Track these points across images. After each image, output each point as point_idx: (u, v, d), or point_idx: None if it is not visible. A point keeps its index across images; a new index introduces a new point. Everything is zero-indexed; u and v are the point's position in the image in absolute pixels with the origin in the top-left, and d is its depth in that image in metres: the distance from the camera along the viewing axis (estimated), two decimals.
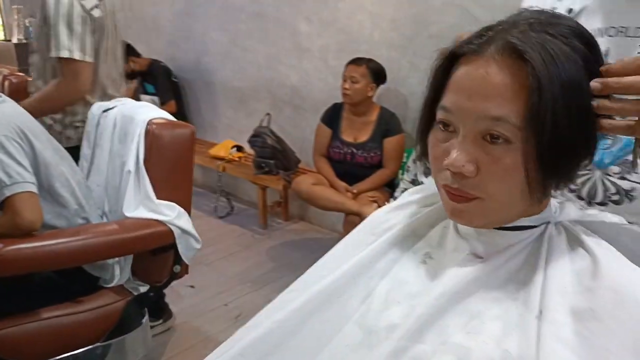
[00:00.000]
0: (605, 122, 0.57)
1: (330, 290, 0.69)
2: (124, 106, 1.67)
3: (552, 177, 0.60)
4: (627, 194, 0.81)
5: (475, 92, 0.57)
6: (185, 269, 1.58)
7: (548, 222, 0.66)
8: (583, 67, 0.57)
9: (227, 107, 3.82)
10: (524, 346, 0.56)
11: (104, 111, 1.70)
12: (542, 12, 0.62)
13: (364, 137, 2.65)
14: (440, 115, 0.61)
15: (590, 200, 0.84)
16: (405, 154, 2.67)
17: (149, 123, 1.48)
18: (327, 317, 0.68)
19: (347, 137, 2.69)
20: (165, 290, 2.61)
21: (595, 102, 0.56)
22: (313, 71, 3.15)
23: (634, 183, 0.80)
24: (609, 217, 0.70)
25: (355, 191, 2.61)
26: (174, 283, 2.64)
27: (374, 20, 2.80)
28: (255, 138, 3.14)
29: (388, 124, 2.62)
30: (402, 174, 2.53)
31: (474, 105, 0.57)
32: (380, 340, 0.62)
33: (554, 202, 0.71)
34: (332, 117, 2.74)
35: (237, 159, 3.47)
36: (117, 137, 1.61)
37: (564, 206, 0.71)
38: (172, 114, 4.06)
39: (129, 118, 1.56)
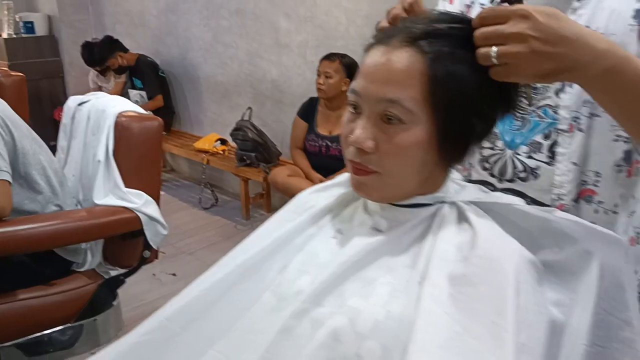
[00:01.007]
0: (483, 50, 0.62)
1: (251, 263, 0.77)
2: (98, 100, 1.74)
3: (443, 159, 0.68)
4: (533, 172, 0.88)
5: (377, 77, 0.66)
6: (154, 255, 1.66)
7: (444, 202, 0.75)
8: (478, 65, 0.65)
9: (211, 102, 3.90)
10: (406, 307, 0.64)
11: (79, 104, 1.77)
12: (446, 13, 0.71)
13: (338, 130, 2.72)
14: (350, 97, 0.70)
15: (500, 178, 0.92)
16: None
17: (119, 115, 1.56)
18: (247, 287, 0.76)
19: (322, 130, 2.77)
20: (147, 278, 2.72)
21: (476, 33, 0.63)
22: (292, 66, 3.22)
23: (539, 162, 0.87)
24: (504, 198, 0.78)
25: None
26: (156, 271, 2.76)
27: (349, 16, 2.87)
28: (237, 131, 3.22)
29: None
30: None
31: (375, 88, 0.66)
32: (288, 304, 0.70)
33: (453, 184, 0.79)
34: (308, 111, 2.82)
35: (221, 152, 3.55)
36: (90, 129, 1.69)
37: (464, 188, 0.80)
38: (159, 108, 4.19)
39: (101, 111, 1.64)
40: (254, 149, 3.16)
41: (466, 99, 0.65)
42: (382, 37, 0.68)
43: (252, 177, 3.25)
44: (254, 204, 3.54)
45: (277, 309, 0.71)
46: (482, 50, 0.62)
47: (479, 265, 0.64)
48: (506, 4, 0.63)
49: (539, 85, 0.86)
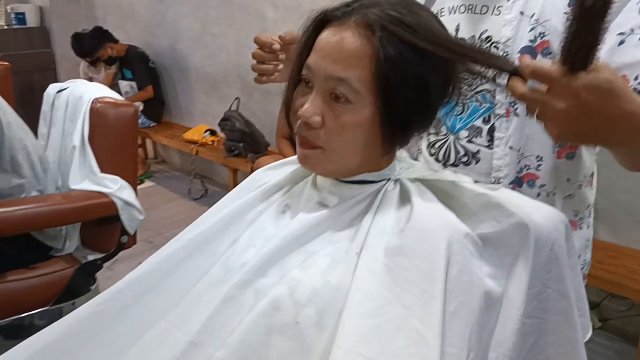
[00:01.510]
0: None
1: (202, 238, 0.79)
2: (76, 87, 1.75)
3: (385, 140, 0.69)
4: (474, 156, 0.90)
5: (329, 53, 0.67)
6: (132, 240, 1.68)
7: (389, 179, 0.76)
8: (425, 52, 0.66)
9: (201, 93, 3.91)
10: (343, 276, 0.66)
11: (58, 92, 1.79)
12: None
13: None
14: (303, 71, 0.71)
15: (445, 162, 0.93)
16: None
17: (94, 101, 1.57)
18: (199, 261, 0.78)
19: None
20: (134, 266, 2.73)
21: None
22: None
23: (479, 146, 0.89)
24: (450, 176, 0.79)
25: None
26: (142, 260, 2.77)
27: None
28: (225, 122, 3.23)
29: None
30: None
31: (326, 65, 0.67)
32: (233, 276, 0.72)
33: (401, 163, 0.81)
34: None
35: (210, 142, 3.56)
36: (68, 116, 1.70)
37: (412, 167, 0.81)
38: (150, 99, 4.19)
39: (78, 97, 1.66)
40: (241, 139, 3.17)
41: (411, 84, 0.66)
42: (338, 14, 0.68)
43: (240, 168, 3.26)
44: None
45: (223, 280, 0.73)
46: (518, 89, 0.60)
47: (413, 237, 0.66)
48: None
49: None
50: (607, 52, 0.76)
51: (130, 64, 4.04)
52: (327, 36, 0.68)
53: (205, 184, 3.77)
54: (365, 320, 0.61)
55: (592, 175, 0.95)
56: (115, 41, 4.03)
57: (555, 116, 0.58)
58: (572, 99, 0.55)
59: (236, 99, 3.35)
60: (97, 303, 0.76)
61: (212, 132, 3.61)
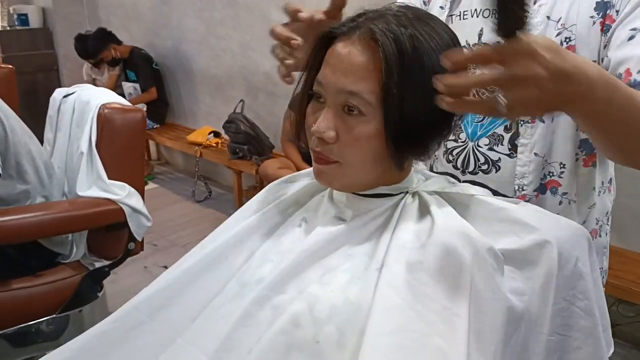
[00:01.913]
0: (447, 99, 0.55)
1: (218, 252, 0.78)
2: (83, 92, 1.74)
3: (402, 150, 0.68)
4: (495, 164, 0.89)
5: (339, 68, 0.66)
6: (140, 246, 1.67)
7: (407, 192, 0.75)
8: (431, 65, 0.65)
9: (205, 94, 3.90)
10: (363, 293, 0.65)
11: (65, 96, 1.77)
12: (408, 7, 0.71)
13: None
14: (315, 87, 0.70)
15: (464, 170, 0.92)
16: None
17: (101, 107, 1.56)
18: (215, 275, 0.77)
19: None
20: (139, 271, 2.73)
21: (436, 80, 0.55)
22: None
23: (500, 154, 0.88)
24: (469, 189, 0.78)
25: None
26: (148, 264, 2.77)
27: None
28: (229, 124, 3.22)
29: None
30: None
31: (337, 79, 0.66)
32: (250, 291, 0.71)
33: (419, 175, 0.80)
34: None
35: (214, 144, 3.55)
36: (75, 121, 1.69)
37: (430, 179, 0.80)
38: (153, 100, 4.18)
39: (85, 103, 1.64)
40: (246, 141, 3.16)
41: (417, 94, 0.64)
42: (345, 30, 0.68)
43: (244, 170, 3.25)
44: (247, 197, 3.53)
45: (240, 296, 0.72)
46: (487, 101, 0.53)
47: (435, 252, 0.65)
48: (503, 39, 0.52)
49: None
50: (617, 46, 0.75)
51: (134, 66, 4.03)
52: (335, 51, 0.68)
53: (210, 186, 3.76)
54: (389, 339, 0.59)
55: (610, 181, 0.94)
56: (119, 42, 4.02)
57: (533, 99, 0.52)
58: (536, 65, 0.50)
59: (241, 101, 3.34)
60: (111, 320, 0.75)
61: (216, 134, 3.60)
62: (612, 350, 0.76)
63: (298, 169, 2.82)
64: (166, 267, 0.77)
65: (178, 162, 4.39)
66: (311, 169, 0.89)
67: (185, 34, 3.85)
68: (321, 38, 0.71)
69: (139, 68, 4.02)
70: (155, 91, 4.00)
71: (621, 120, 0.60)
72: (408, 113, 0.65)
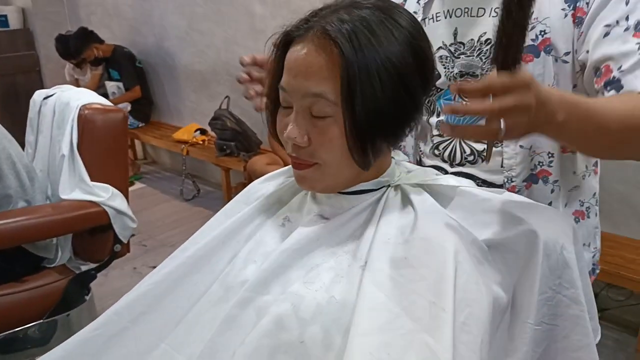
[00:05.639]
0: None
1: (200, 254, 0.77)
2: (63, 93, 1.71)
3: (369, 145, 0.66)
4: (480, 155, 0.89)
5: (299, 71, 0.65)
6: (126, 248, 1.65)
7: (389, 185, 0.74)
8: (406, 48, 0.64)
9: (190, 91, 3.86)
10: (347, 291, 0.64)
11: (45, 98, 1.74)
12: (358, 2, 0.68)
13: None
14: (280, 95, 0.69)
15: (451, 162, 0.92)
16: None
17: (82, 108, 1.53)
18: (197, 278, 0.75)
19: None
20: (129, 272, 2.70)
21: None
22: (269, 53, 3.18)
23: (485, 144, 0.88)
24: (453, 180, 0.78)
25: None
26: (138, 265, 2.74)
27: (325, 1, 2.83)
28: (215, 121, 3.19)
29: None
30: None
31: (299, 83, 0.65)
32: (234, 294, 0.70)
33: (401, 168, 0.79)
34: None
35: (200, 142, 3.52)
36: (56, 123, 1.65)
37: (413, 171, 0.79)
38: (137, 99, 4.13)
39: (66, 104, 1.61)
40: (233, 138, 3.13)
41: (388, 84, 0.63)
42: (301, 32, 0.66)
43: (232, 167, 3.22)
44: (236, 194, 3.50)
45: (224, 299, 0.71)
46: (491, 127, 0.57)
47: (419, 247, 0.64)
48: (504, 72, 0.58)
49: (484, 70, 0.86)
50: (593, 43, 0.76)
51: (117, 65, 3.98)
52: (292, 55, 0.66)
53: (198, 184, 3.73)
54: (374, 337, 0.59)
55: (595, 164, 0.95)
56: (101, 41, 3.97)
57: (522, 124, 0.58)
58: (530, 95, 0.56)
59: (226, 97, 3.31)
60: (93, 327, 0.74)
61: (203, 132, 3.57)
62: (598, 338, 0.76)
63: (286, 165, 2.80)
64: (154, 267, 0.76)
65: (165, 160, 4.35)
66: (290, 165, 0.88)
67: (168, 31, 3.81)
68: (278, 43, 0.70)
69: (122, 67, 3.96)
70: (139, 90, 3.95)
71: (581, 136, 0.67)
72: (372, 106, 0.63)
